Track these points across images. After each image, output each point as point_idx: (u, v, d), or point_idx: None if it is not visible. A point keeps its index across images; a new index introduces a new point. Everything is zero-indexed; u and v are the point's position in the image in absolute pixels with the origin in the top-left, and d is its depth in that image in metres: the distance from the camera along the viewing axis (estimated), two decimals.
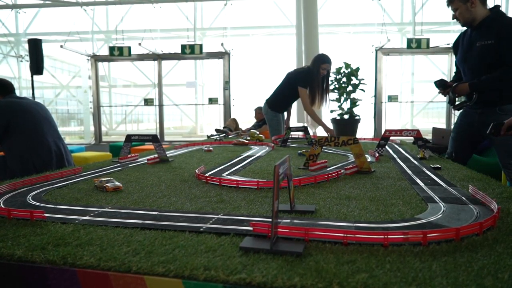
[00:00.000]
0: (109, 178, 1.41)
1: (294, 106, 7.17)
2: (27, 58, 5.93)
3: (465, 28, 2.49)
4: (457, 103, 2.45)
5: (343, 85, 6.91)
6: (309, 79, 3.85)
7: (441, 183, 1.42)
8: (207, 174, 1.60)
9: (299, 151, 2.44)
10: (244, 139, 3.45)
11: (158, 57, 8.55)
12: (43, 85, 11.64)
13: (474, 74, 2.36)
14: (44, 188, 1.39)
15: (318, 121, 4.05)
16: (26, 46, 5.86)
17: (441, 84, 2.54)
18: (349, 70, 6.84)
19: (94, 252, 0.75)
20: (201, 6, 9.81)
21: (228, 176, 1.63)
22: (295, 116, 7.16)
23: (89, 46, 9.38)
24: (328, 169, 1.80)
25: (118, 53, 7.84)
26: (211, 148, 2.68)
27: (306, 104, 3.89)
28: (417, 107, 10.18)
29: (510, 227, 0.89)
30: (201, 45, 7.76)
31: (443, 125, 8.40)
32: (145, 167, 1.94)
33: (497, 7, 2.35)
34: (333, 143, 1.75)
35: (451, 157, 2.57)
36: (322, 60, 3.85)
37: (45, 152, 2.77)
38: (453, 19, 2.44)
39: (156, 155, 2.18)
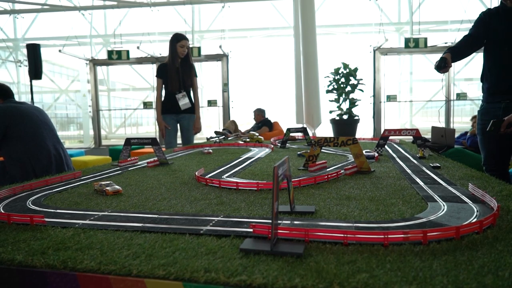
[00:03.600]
0: (108, 182, 1.41)
1: (293, 106, 7.22)
2: (26, 63, 5.94)
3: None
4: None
5: (342, 85, 6.93)
6: (163, 67, 3.75)
7: (441, 182, 1.42)
8: (206, 176, 1.60)
9: (298, 152, 2.44)
10: (244, 140, 3.45)
11: (157, 60, 8.55)
12: (42, 90, 11.64)
13: None
14: (44, 193, 1.39)
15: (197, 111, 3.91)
16: (25, 51, 5.87)
17: (443, 62, 2.34)
18: (347, 70, 6.86)
19: (94, 256, 0.75)
20: (199, 9, 9.82)
21: (228, 178, 1.63)
22: (294, 116, 7.17)
23: (87, 50, 9.39)
24: (327, 169, 1.80)
25: (116, 56, 7.86)
26: (210, 151, 2.68)
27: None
28: (416, 106, 10.19)
29: (510, 225, 0.89)
30: (199, 48, 7.78)
31: (442, 124, 8.42)
32: (144, 170, 1.94)
33: None
34: (332, 144, 1.75)
35: (488, 165, 2.42)
36: (176, 39, 3.66)
37: (44, 156, 2.77)
38: None
39: (155, 158, 2.18)
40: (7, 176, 2.69)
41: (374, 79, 7.85)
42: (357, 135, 6.78)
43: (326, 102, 6.97)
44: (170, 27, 9.65)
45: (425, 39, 7.26)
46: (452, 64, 2.44)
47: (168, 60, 3.74)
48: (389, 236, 0.77)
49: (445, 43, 7.67)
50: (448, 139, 2.80)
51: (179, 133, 3.92)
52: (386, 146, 2.72)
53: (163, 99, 3.83)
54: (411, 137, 2.37)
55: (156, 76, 3.79)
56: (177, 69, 3.70)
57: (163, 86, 3.81)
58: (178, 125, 3.88)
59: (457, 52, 2.47)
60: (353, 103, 6.90)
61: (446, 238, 0.79)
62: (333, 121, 6.97)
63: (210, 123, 9.73)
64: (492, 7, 2.43)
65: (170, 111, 3.79)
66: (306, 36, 6.31)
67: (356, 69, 6.90)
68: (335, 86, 6.98)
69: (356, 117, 6.90)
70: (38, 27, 10.20)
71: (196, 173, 1.63)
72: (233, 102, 8.40)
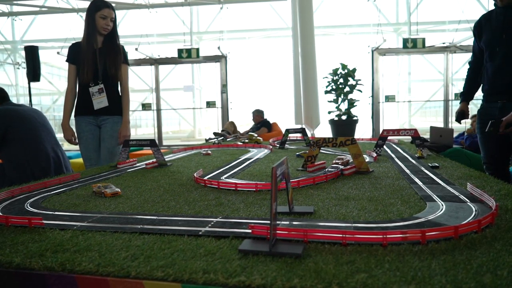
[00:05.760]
0: (107, 184, 1.41)
1: (292, 107, 7.23)
2: (24, 65, 5.93)
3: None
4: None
5: (340, 86, 6.93)
6: (75, 48, 2.63)
7: (440, 181, 1.43)
8: (205, 178, 1.60)
9: (297, 153, 2.44)
10: (242, 141, 3.45)
11: (155, 62, 8.56)
12: (40, 92, 11.64)
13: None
14: (42, 195, 1.38)
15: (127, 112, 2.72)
16: (23, 53, 5.86)
17: (461, 117, 2.57)
18: (346, 71, 6.87)
19: (92, 257, 0.74)
20: (197, 10, 9.83)
21: (227, 179, 1.63)
22: (293, 117, 7.17)
23: None
24: (326, 170, 1.80)
25: None
26: (209, 152, 2.68)
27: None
28: (415, 106, 10.22)
29: (509, 224, 0.89)
30: (197, 49, 7.78)
31: (440, 124, 8.43)
32: (143, 172, 1.94)
33: None
34: (331, 144, 1.75)
35: (488, 164, 2.44)
36: (96, 7, 2.53)
37: (43, 159, 2.76)
38: None
39: (154, 160, 2.18)
40: (6, 179, 2.68)
41: (373, 80, 7.87)
42: (356, 136, 6.78)
43: (324, 103, 6.99)
44: (169, 29, 9.67)
45: (423, 39, 7.28)
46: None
47: (82, 38, 2.62)
48: (388, 236, 0.77)
49: (443, 43, 7.70)
50: (446, 139, 2.80)
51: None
52: (384, 146, 2.72)
53: (78, 94, 2.68)
54: (410, 137, 2.37)
55: (67, 60, 2.63)
56: (94, 52, 2.58)
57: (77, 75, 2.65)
58: (100, 131, 2.70)
59: (471, 91, 2.65)
60: (351, 103, 6.91)
61: (445, 238, 0.79)
62: (332, 121, 6.98)
63: (209, 124, 9.73)
64: (488, 11, 2.45)
65: (86, 112, 2.65)
66: (304, 37, 6.32)
67: (354, 70, 6.91)
68: (334, 87, 6.99)
69: (355, 118, 6.91)
70: (36, 29, 10.21)
71: (195, 175, 1.62)
72: (231, 103, 8.41)
